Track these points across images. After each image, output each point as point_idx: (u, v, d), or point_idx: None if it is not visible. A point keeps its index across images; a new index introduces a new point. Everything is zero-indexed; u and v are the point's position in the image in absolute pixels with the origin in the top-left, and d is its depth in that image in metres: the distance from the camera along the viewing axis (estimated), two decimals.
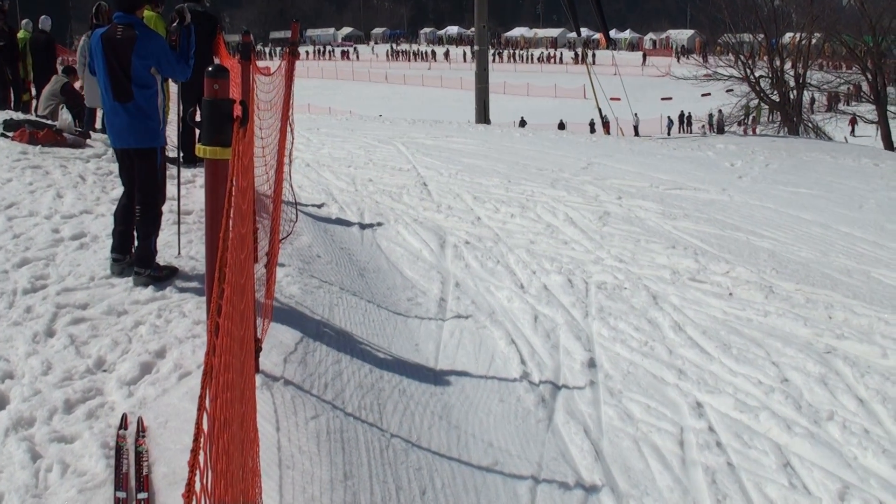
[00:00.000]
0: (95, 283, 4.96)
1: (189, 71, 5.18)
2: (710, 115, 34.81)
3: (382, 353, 4.78)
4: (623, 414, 4.39)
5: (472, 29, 31.48)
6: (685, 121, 37.98)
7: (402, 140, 14.09)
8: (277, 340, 4.30)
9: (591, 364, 4.99)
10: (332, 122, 19.03)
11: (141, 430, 3.28)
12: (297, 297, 5.17)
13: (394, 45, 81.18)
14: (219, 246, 1.94)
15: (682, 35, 72.78)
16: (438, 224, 8.09)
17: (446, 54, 71.26)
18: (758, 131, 29.91)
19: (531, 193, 9.60)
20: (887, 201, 10.43)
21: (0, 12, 11.63)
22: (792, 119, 27.50)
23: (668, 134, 33.97)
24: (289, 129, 6.02)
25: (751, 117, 31.76)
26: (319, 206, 8.55)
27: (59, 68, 12.45)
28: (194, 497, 1.33)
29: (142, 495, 2.87)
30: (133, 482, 2.96)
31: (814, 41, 28.88)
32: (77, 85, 10.83)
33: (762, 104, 29.77)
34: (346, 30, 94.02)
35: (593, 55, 50.84)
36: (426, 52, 73.90)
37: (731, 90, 28.67)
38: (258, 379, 3.71)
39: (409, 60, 71.37)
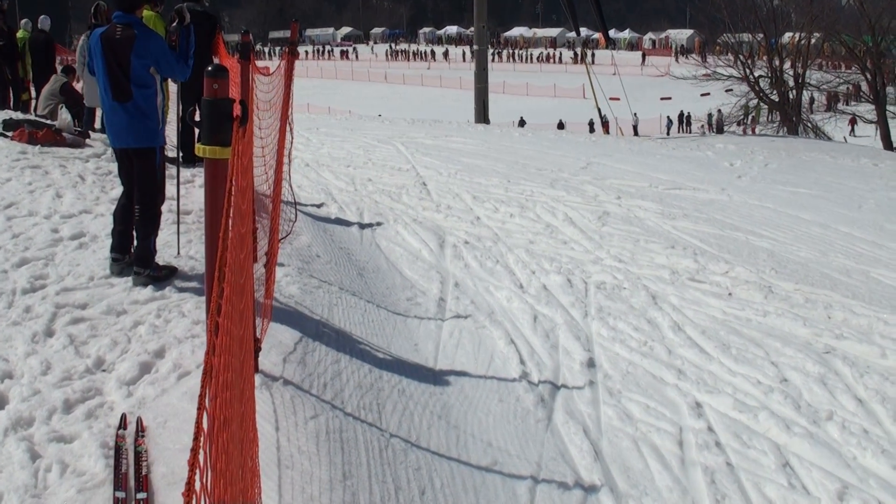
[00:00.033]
0: (95, 282, 4.96)
1: (188, 71, 5.18)
2: (710, 115, 34.82)
3: (381, 352, 4.78)
4: (622, 414, 4.39)
5: (472, 29, 31.49)
6: (684, 121, 37.98)
7: (402, 140, 14.10)
8: (277, 340, 4.30)
9: (591, 364, 4.99)
10: (331, 122, 19.03)
11: (140, 430, 3.28)
12: (297, 297, 5.17)
13: (393, 45, 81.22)
14: (218, 245, 1.94)
15: (681, 35, 72.82)
16: (438, 224, 8.09)
17: (445, 54, 71.28)
18: (757, 131, 29.91)
19: (530, 193, 9.60)
20: (886, 201, 10.44)
21: None
22: (791, 119, 27.51)
23: (668, 134, 33.98)
24: (288, 128, 6.02)
25: (750, 117, 31.78)
26: (319, 206, 8.55)
27: (59, 68, 12.45)
28: (194, 496, 1.33)
29: (141, 495, 2.87)
30: (132, 482, 2.96)
31: (813, 41, 28.89)
32: (79, 87, 10.83)
33: (761, 104, 29.78)
34: (346, 29, 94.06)
35: (592, 55, 50.88)
36: (425, 52, 73.91)
37: (731, 90, 28.67)
38: (257, 379, 3.71)
39: (409, 60, 71.39)
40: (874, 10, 26.28)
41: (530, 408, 4.39)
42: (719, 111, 31.91)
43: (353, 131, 15.71)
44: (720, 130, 31.23)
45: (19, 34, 12.51)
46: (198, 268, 5.31)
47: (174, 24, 5.97)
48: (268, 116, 5.83)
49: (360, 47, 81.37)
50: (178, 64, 5.06)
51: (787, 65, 28.46)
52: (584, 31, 47.98)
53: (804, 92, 29.33)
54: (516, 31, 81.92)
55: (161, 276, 5.03)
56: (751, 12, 29.43)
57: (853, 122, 32.27)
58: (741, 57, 28.59)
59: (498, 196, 9.39)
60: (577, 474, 3.81)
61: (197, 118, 2.63)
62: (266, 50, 75.11)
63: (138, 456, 3.08)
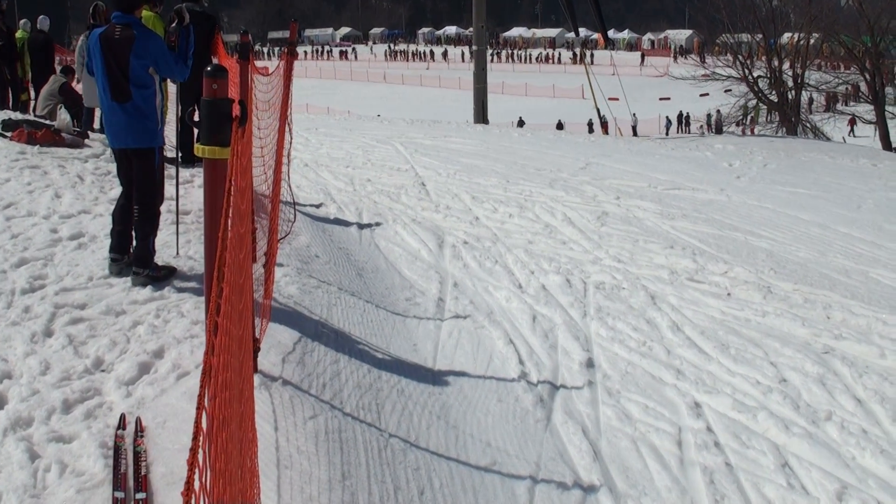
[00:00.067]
0: (94, 283, 4.96)
1: (187, 71, 5.19)
2: (709, 116, 34.83)
3: (381, 353, 4.78)
4: (621, 414, 4.39)
5: (471, 29, 31.50)
6: (683, 121, 38.01)
7: (401, 140, 14.09)
8: (276, 340, 4.31)
9: (590, 364, 4.99)
10: (330, 122, 19.03)
11: (139, 430, 3.28)
12: (296, 297, 5.17)
13: (392, 45, 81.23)
14: (217, 245, 1.94)
15: (680, 35, 72.88)
16: (437, 224, 8.09)
17: (444, 54, 71.30)
18: (756, 131, 29.94)
19: (529, 193, 9.60)
20: (885, 201, 10.44)
21: None
22: (790, 119, 27.53)
23: (667, 134, 34.00)
24: (287, 129, 6.02)
25: (749, 117, 31.82)
26: (318, 206, 8.55)
27: (58, 68, 12.45)
28: (193, 496, 1.33)
29: (140, 495, 2.87)
30: (131, 482, 2.96)
31: (812, 41, 28.92)
32: (78, 87, 10.83)
33: (760, 104, 29.80)
34: (345, 30, 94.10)
35: (591, 55, 50.85)
36: (424, 52, 73.92)
37: (730, 90, 28.70)
38: (256, 379, 3.71)
39: (408, 60, 71.39)
40: (873, 11, 26.32)
41: (529, 408, 4.39)
42: (718, 111, 31.92)
43: (351, 131, 15.71)
44: (719, 131, 31.24)
45: (18, 34, 12.50)
46: (197, 268, 5.31)
47: (173, 24, 5.97)
48: (267, 117, 5.83)
49: (359, 47, 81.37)
50: (178, 64, 5.06)
51: (786, 65, 28.48)
52: (583, 31, 47.95)
53: (803, 92, 29.35)
54: (515, 32, 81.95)
55: (160, 277, 5.03)
56: (750, 12, 29.47)
57: (852, 122, 32.28)
58: (740, 57, 28.62)
59: (497, 196, 9.39)
60: (576, 474, 3.81)
61: (196, 118, 2.63)
62: (265, 50, 75.08)
63: (137, 456, 3.08)
